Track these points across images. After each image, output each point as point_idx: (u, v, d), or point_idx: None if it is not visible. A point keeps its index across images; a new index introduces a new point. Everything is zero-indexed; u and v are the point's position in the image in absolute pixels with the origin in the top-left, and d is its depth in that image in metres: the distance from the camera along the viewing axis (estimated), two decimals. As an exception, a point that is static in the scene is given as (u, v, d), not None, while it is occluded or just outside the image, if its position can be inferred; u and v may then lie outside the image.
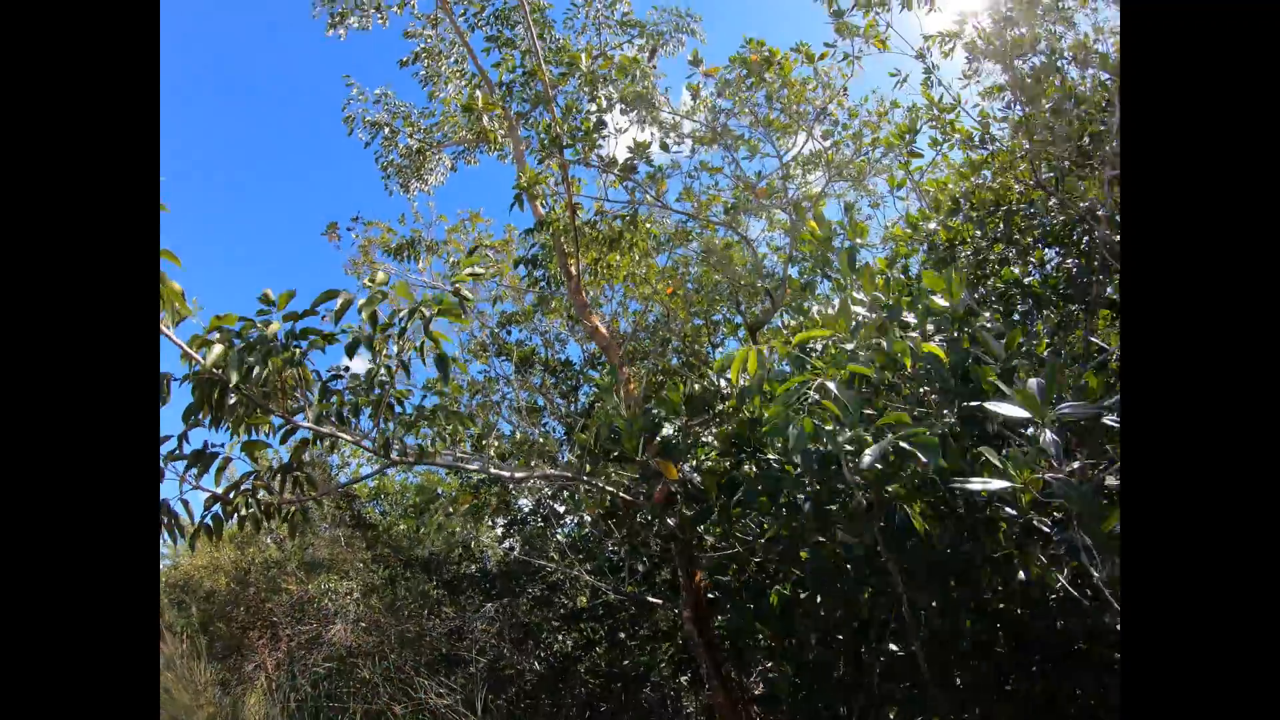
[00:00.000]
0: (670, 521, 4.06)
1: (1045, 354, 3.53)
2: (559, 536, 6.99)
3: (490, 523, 7.42)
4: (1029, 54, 5.04)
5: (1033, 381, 2.33)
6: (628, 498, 4.12)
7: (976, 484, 2.30)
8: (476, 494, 5.96)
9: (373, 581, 7.72)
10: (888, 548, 3.03)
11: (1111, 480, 2.53)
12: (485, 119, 6.25)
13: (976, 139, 5.88)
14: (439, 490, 7.79)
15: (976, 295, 5.26)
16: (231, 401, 2.89)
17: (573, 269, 5.29)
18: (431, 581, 7.11)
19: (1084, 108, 4.93)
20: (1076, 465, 2.29)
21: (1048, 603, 3.12)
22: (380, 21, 7.45)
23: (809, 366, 2.95)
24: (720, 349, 7.01)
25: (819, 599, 3.72)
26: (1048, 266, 5.48)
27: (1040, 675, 3.30)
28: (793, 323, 6.38)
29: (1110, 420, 2.28)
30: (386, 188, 7.82)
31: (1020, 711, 3.20)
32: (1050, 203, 5.18)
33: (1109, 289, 4.62)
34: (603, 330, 5.52)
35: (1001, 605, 3.20)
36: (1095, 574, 2.10)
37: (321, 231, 7.93)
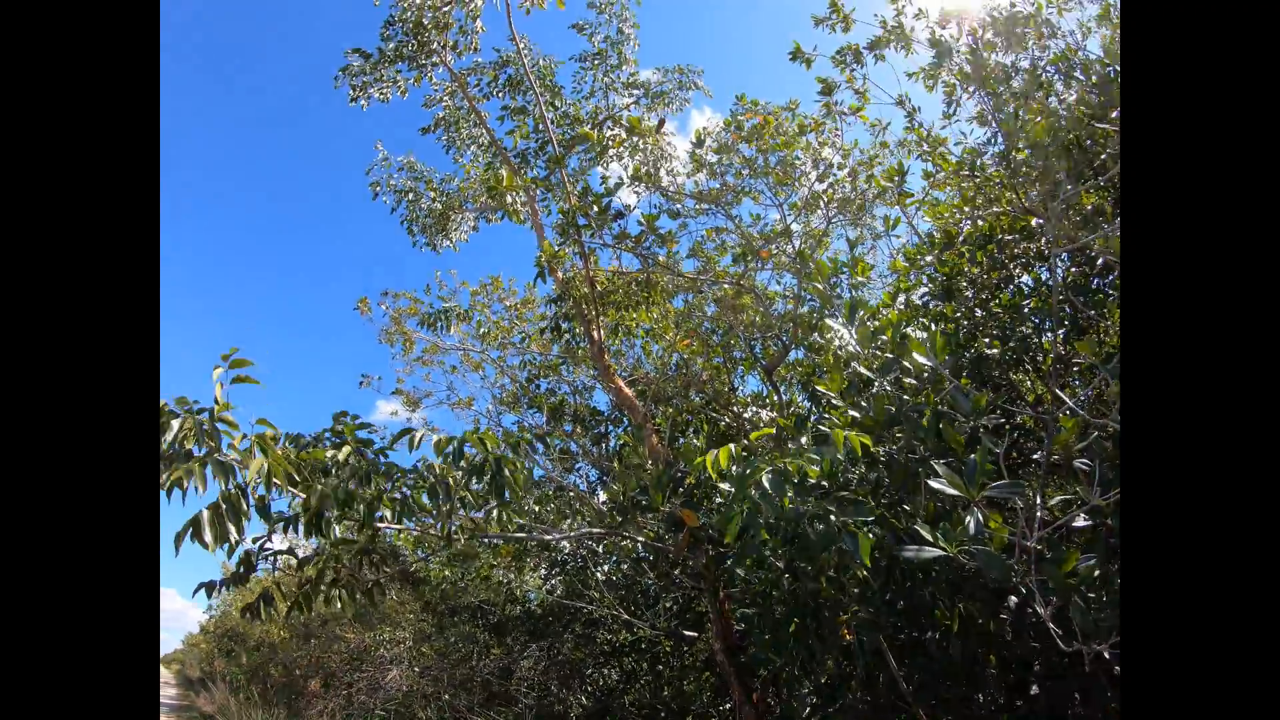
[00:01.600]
0: (697, 562, 4.39)
1: (999, 420, 3.92)
2: (599, 575, 7.31)
3: (532, 567, 7.77)
4: (1010, 77, 5.22)
5: (971, 457, 2.72)
6: (656, 544, 4.47)
7: (910, 551, 2.70)
8: (519, 543, 6.32)
9: (424, 629, 8.08)
10: (845, 594, 3.46)
11: (1079, 523, 2.90)
12: (509, 197, 6.71)
13: (966, 169, 6.15)
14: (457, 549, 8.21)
15: (979, 315, 5.49)
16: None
17: (595, 334, 5.70)
18: (478, 626, 7.47)
19: (1074, 116, 5.09)
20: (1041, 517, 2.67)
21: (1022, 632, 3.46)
22: (400, 93, 7.95)
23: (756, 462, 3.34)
24: (742, 385, 7.35)
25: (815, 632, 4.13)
26: (1058, 273, 5.68)
27: (1042, 693, 3.62)
28: (804, 361, 6.71)
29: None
30: (414, 243, 8.33)
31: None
32: (1036, 224, 5.37)
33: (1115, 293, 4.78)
34: (626, 391, 5.91)
35: (989, 630, 3.52)
36: (1041, 610, 2.44)
37: (354, 306, 8.45)
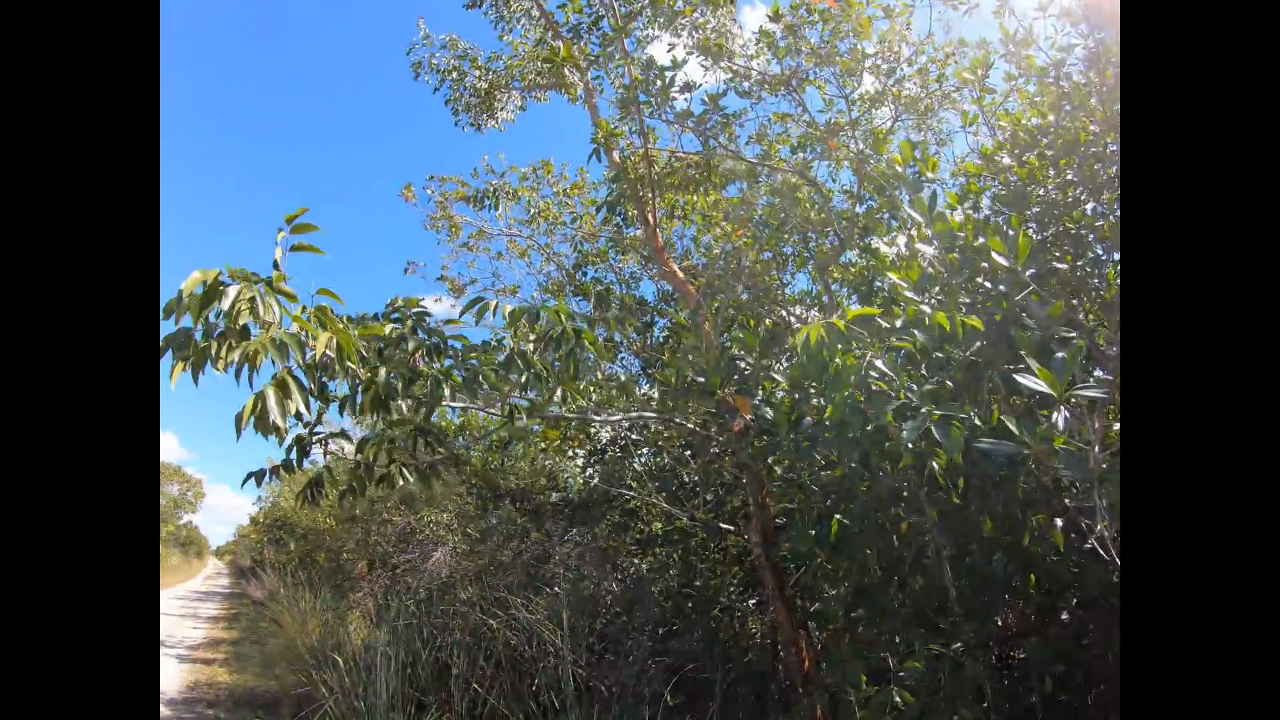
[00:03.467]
0: (743, 453, 4.35)
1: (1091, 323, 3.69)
2: (636, 465, 7.35)
3: (572, 454, 7.82)
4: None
5: (1059, 356, 2.56)
6: (704, 431, 4.42)
7: (988, 444, 2.56)
8: (559, 429, 6.33)
9: (468, 512, 8.24)
10: (925, 494, 3.34)
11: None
12: (565, 70, 6.41)
13: (1052, 75, 5.79)
14: (519, 425, 8.23)
15: (1048, 235, 5.27)
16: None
17: (649, 216, 5.53)
18: (518, 510, 7.59)
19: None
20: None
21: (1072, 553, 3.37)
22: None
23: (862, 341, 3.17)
24: (791, 283, 7.19)
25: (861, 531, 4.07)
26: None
27: (1073, 619, 3.58)
28: (859, 261, 6.51)
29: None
30: (457, 123, 8.09)
31: (1050, 649, 3.46)
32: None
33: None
34: (679, 276, 5.77)
35: (1036, 551, 3.44)
36: (1094, 531, 2.34)
37: (399, 192, 8.27)
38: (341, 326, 3.07)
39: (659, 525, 7.03)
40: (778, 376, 4.18)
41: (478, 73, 7.83)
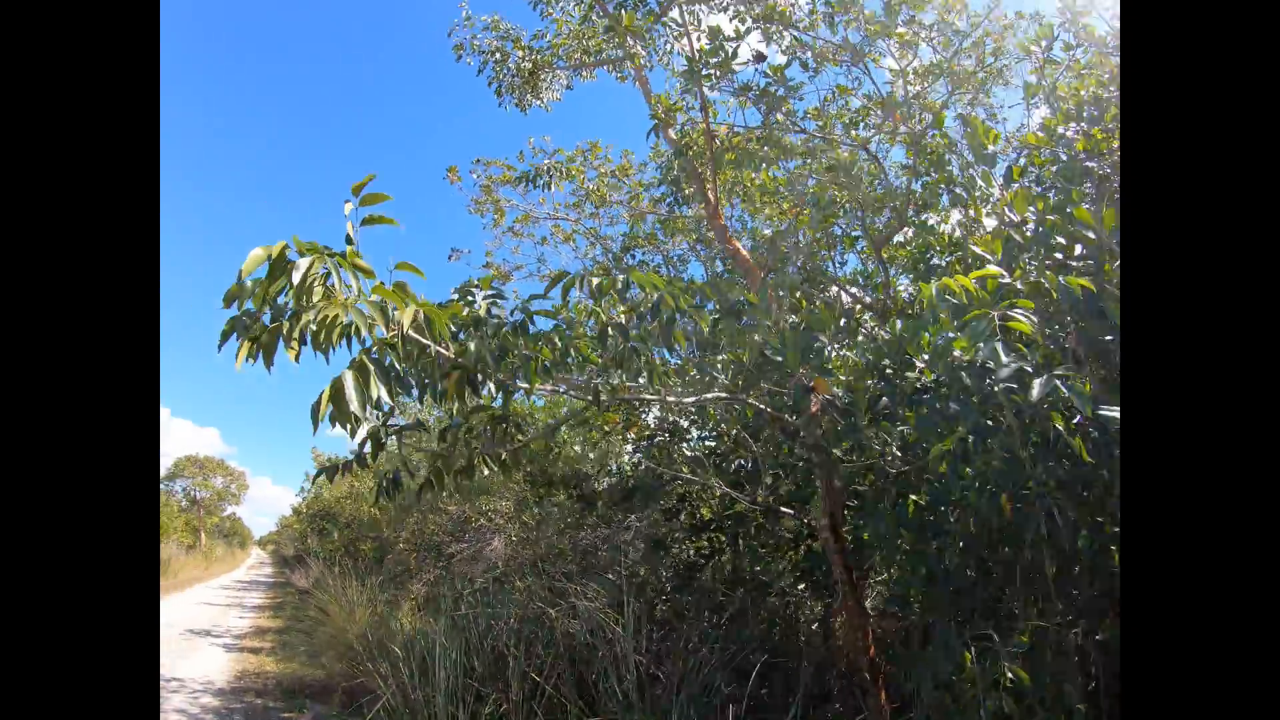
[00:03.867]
0: (811, 433, 4.24)
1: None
2: (684, 450, 7.25)
3: (623, 439, 7.71)
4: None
5: None
6: (775, 413, 4.30)
7: (1106, 410, 2.45)
8: (618, 413, 6.24)
9: (526, 499, 8.14)
10: (1043, 462, 3.17)
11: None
12: (629, 40, 6.22)
13: (1111, 45, 5.60)
14: (565, 410, 8.14)
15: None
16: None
17: (710, 194, 5.40)
18: (571, 496, 7.50)
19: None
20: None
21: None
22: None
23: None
24: (841, 265, 7.04)
25: (946, 509, 3.93)
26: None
27: None
28: (915, 237, 6.35)
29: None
30: (501, 104, 7.97)
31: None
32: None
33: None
34: (743, 253, 5.65)
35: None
36: None
37: (443, 175, 8.20)
38: (424, 301, 2.85)
39: (706, 511, 6.93)
40: (851, 355, 4.06)
41: (520, 53, 7.70)
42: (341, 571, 10.88)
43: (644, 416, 7.17)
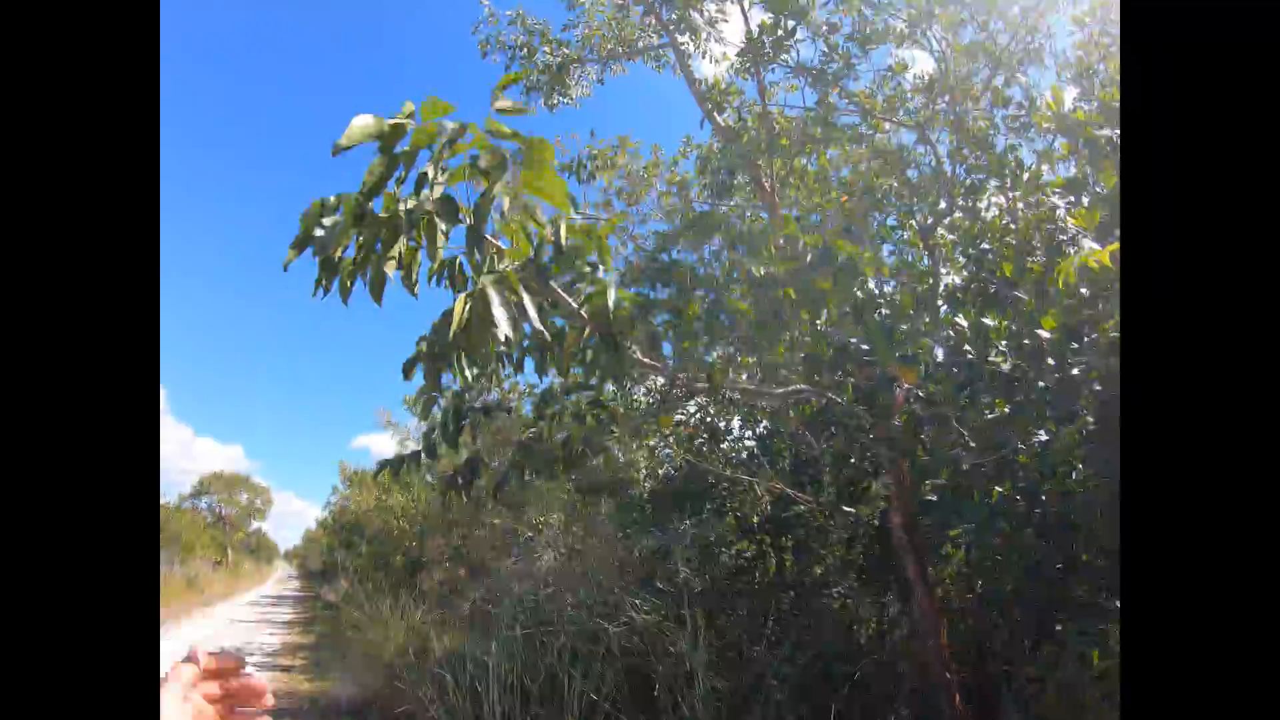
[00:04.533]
0: (892, 427, 4.03)
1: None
2: (724, 450, 7.04)
3: (666, 436, 7.45)
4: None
5: None
6: (852, 405, 4.09)
7: None
8: (671, 414, 6.04)
9: (577, 507, 7.85)
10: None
11: None
12: (691, 13, 5.87)
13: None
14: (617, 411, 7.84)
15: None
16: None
17: (765, 182, 5.16)
18: (615, 501, 7.26)
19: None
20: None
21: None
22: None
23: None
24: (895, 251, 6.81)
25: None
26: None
27: None
28: (965, 222, 6.14)
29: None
30: (527, 103, 7.72)
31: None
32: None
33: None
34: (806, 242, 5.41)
35: None
36: None
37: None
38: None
39: (756, 512, 6.69)
40: (931, 341, 3.86)
41: (548, 48, 7.47)
42: (375, 587, 10.66)
43: (690, 414, 6.95)
